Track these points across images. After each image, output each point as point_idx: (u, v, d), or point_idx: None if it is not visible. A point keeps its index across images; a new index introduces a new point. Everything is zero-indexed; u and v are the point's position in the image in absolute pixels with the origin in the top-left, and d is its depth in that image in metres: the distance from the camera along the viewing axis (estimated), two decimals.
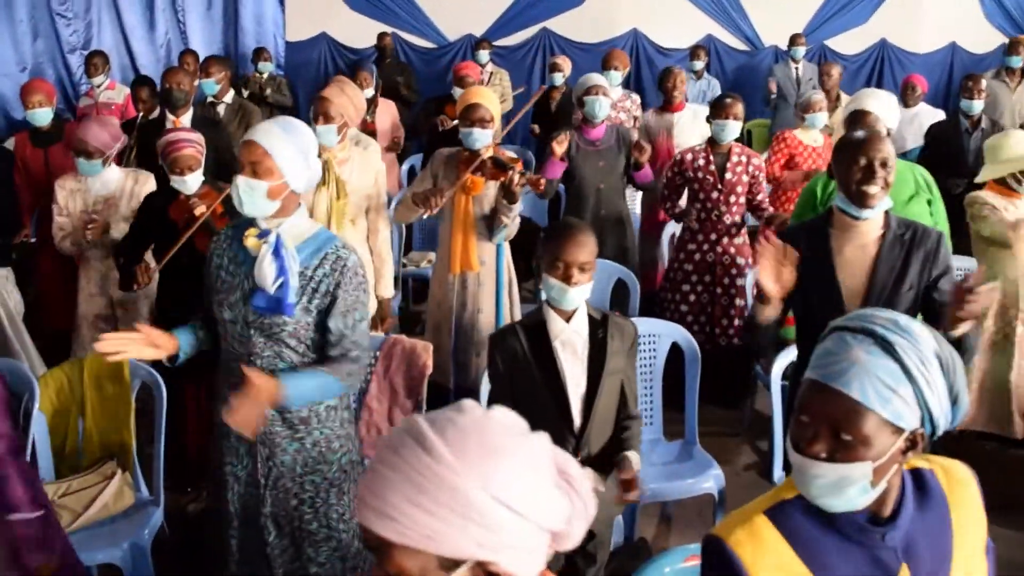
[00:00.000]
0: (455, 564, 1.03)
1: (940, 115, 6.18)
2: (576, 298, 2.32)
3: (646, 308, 4.35)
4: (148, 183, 3.90)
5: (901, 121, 6.06)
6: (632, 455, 2.35)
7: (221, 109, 5.57)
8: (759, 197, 4.33)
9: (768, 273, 2.32)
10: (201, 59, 6.79)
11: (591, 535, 2.45)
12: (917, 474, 1.43)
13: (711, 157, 4.26)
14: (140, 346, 2.17)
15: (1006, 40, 7.55)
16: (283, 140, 2.16)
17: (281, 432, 2.30)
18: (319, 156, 3.46)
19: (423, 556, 1.02)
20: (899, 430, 1.27)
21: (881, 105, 3.52)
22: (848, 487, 1.29)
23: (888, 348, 1.27)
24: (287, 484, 2.32)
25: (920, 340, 1.28)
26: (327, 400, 2.30)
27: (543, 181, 3.53)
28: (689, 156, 4.31)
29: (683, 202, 4.45)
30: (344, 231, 3.47)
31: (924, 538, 1.37)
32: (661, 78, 5.31)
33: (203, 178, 3.39)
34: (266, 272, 2.14)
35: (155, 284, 3.41)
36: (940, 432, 1.32)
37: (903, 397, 1.25)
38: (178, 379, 3.32)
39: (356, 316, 2.24)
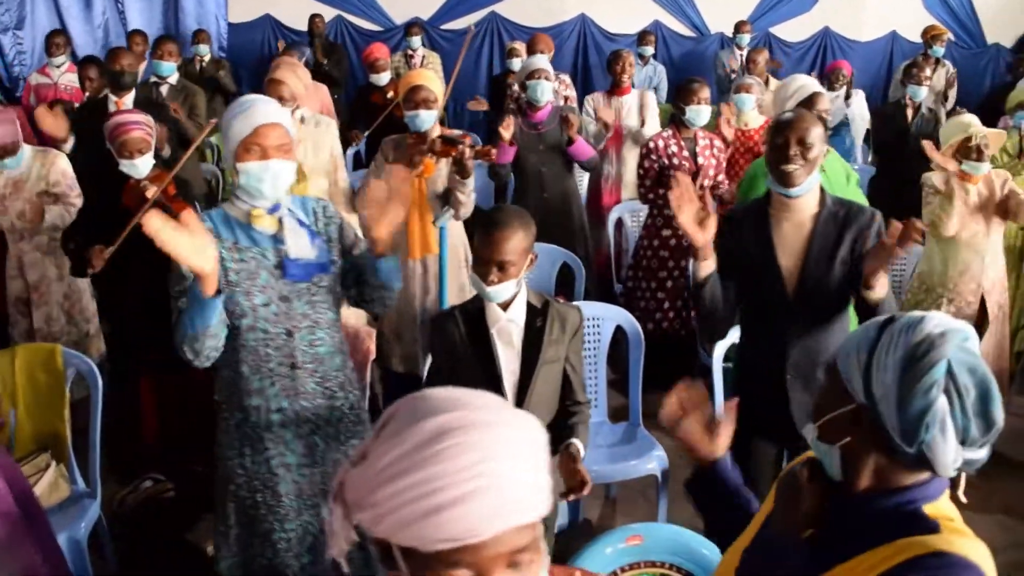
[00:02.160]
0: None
1: (861, 96, 6.59)
2: (497, 295, 2.28)
3: (595, 292, 4.37)
4: (58, 163, 3.82)
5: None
6: (576, 443, 2.33)
7: (164, 90, 5.46)
8: (720, 177, 4.39)
9: (688, 218, 2.35)
10: (148, 41, 6.66)
11: None
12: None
13: (682, 142, 4.29)
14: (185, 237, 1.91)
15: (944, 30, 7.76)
16: (286, 118, 2.23)
17: (323, 404, 2.32)
18: None
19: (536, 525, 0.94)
20: (848, 396, 1.30)
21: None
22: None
23: (885, 325, 1.28)
24: (334, 455, 2.34)
25: (911, 340, 1.23)
26: (395, 283, 2.32)
27: (493, 151, 3.51)
28: (661, 143, 4.31)
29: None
30: None
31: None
32: (610, 61, 5.32)
33: (153, 161, 3.31)
34: (302, 241, 2.22)
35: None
36: (906, 449, 1.24)
37: (858, 362, 1.28)
38: (134, 372, 3.27)
39: (363, 244, 2.34)
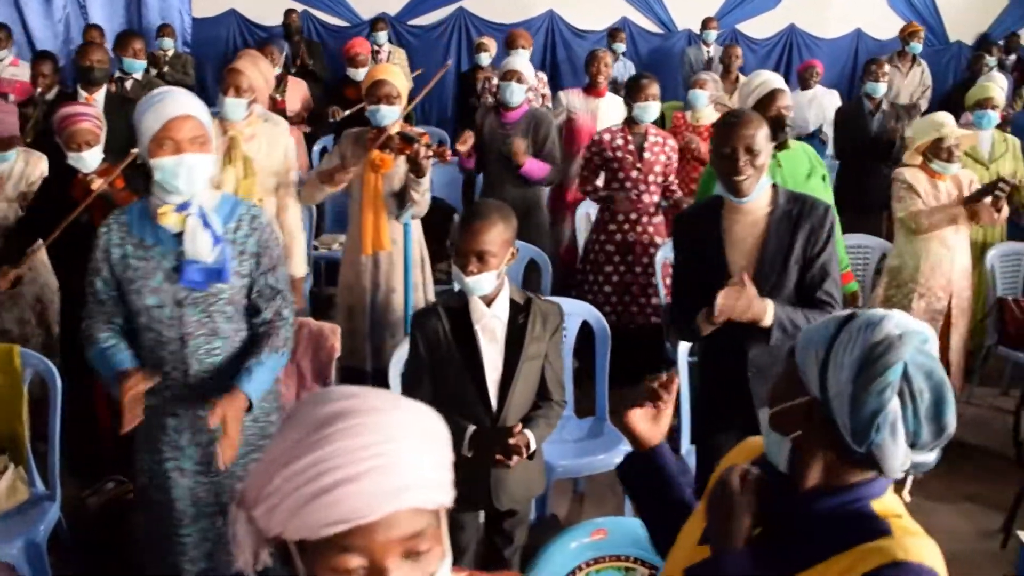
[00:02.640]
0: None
1: (835, 95, 6.70)
2: (477, 287, 2.29)
3: (557, 288, 4.37)
4: (40, 165, 3.73)
5: (800, 104, 6.44)
6: (527, 432, 2.31)
7: (128, 85, 5.38)
8: (670, 179, 4.40)
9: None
10: (104, 35, 6.56)
11: (511, 513, 2.46)
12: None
13: (629, 137, 4.30)
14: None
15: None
16: (201, 109, 2.15)
17: None
18: (225, 133, 3.42)
19: (432, 513, 0.92)
20: (803, 388, 1.29)
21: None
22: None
23: (845, 322, 1.27)
24: (231, 467, 2.26)
25: (870, 340, 1.22)
26: (278, 374, 2.30)
27: (448, 151, 3.50)
28: (607, 136, 4.34)
29: (599, 183, 4.46)
30: None
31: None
32: (587, 62, 5.28)
33: (103, 155, 3.24)
34: (202, 243, 2.11)
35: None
36: (856, 448, 1.23)
37: (815, 357, 1.27)
38: (88, 372, 3.20)
39: (282, 271, 2.29)
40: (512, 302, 2.38)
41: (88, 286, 2.20)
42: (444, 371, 2.34)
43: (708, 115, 5.21)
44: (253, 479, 0.91)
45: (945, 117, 3.79)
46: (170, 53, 7.37)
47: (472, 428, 2.28)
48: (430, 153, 3.35)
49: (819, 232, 2.41)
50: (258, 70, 3.45)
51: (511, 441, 2.24)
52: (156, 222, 2.15)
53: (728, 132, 2.36)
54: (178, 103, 2.10)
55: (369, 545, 0.86)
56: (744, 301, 2.24)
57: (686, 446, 3.12)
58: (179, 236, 2.14)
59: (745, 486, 1.34)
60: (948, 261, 3.81)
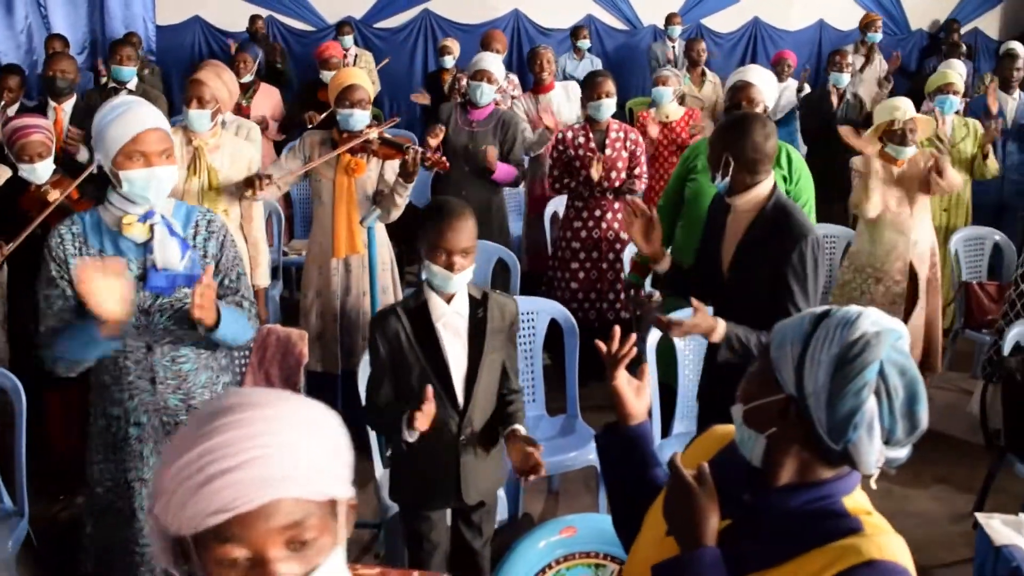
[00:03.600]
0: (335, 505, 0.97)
1: (792, 85, 6.75)
2: (460, 283, 2.32)
3: (533, 289, 4.37)
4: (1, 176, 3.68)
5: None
6: (519, 428, 2.37)
7: (124, 95, 5.32)
8: (637, 170, 4.41)
9: (638, 232, 2.57)
10: (68, 45, 6.49)
11: (480, 504, 2.47)
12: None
13: (591, 134, 4.31)
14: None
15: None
16: (164, 120, 2.16)
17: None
18: (190, 143, 3.39)
19: (326, 506, 0.94)
20: (778, 385, 1.29)
21: (763, 81, 3.63)
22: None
23: (820, 319, 1.28)
24: None
25: (847, 338, 1.23)
26: (239, 343, 2.27)
27: (445, 160, 3.54)
28: (570, 134, 4.35)
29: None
30: None
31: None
32: (529, 60, 5.34)
33: (55, 166, 3.22)
34: (171, 251, 2.13)
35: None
36: (832, 446, 1.24)
37: (791, 354, 1.28)
38: (41, 387, 3.17)
39: (239, 270, 2.30)
40: (470, 297, 2.39)
41: (43, 300, 2.17)
42: (408, 372, 2.33)
43: (674, 111, 5.23)
44: (155, 478, 0.94)
45: (901, 101, 3.84)
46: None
47: (407, 412, 2.21)
48: (427, 163, 3.37)
49: (787, 258, 2.42)
50: (221, 80, 3.42)
51: (530, 451, 2.23)
52: (115, 232, 2.14)
53: (765, 139, 2.48)
54: (146, 115, 2.10)
55: (250, 535, 0.88)
56: (699, 315, 2.38)
57: (657, 440, 3.13)
58: (143, 245, 2.14)
59: (704, 483, 1.33)
60: (904, 244, 3.85)
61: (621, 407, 1.65)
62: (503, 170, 4.40)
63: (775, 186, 2.55)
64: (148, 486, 2.27)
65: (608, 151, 4.30)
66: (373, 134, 3.42)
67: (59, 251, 2.15)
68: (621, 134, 4.37)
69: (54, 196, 3.01)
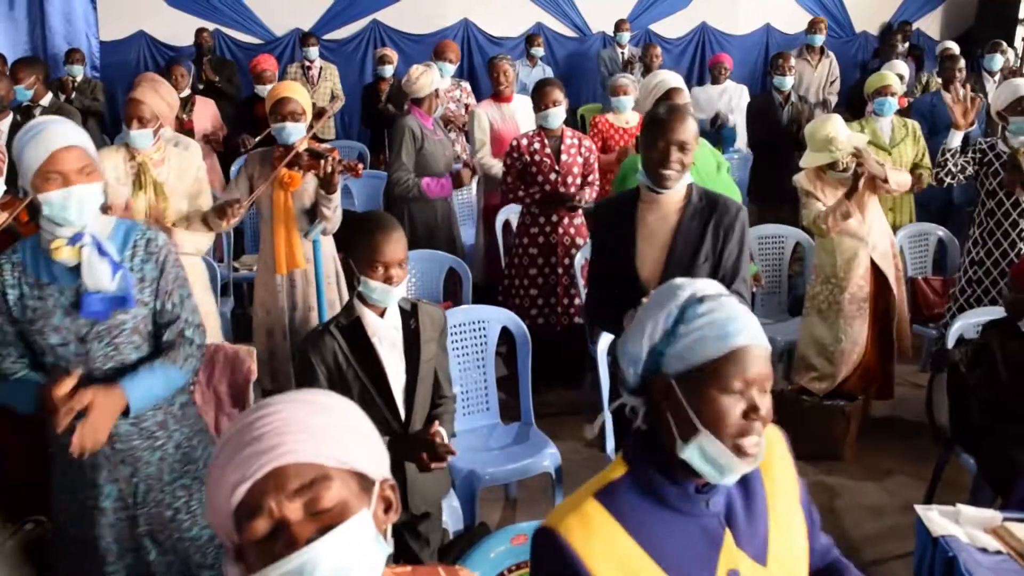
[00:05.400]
0: (371, 485, 1.05)
1: (744, 91, 6.87)
2: (397, 296, 2.32)
3: (484, 298, 4.36)
4: None
5: (712, 98, 6.69)
6: (442, 429, 2.33)
7: (38, 113, 5.22)
8: (590, 178, 4.43)
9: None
10: (9, 63, 6.35)
11: (425, 515, 2.45)
12: None
13: (546, 140, 4.33)
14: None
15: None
16: (84, 137, 2.09)
17: (140, 445, 2.19)
18: (133, 159, 3.33)
19: (350, 479, 1.02)
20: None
21: (680, 81, 3.70)
22: None
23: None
24: (157, 496, 2.22)
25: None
26: (172, 392, 2.20)
27: (361, 166, 3.48)
28: (524, 141, 4.37)
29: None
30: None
31: (739, 501, 1.41)
32: (488, 70, 5.35)
33: (3, 187, 3.14)
34: (100, 273, 2.04)
35: None
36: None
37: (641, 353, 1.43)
38: None
39: (183, 292, 2.21)
40: (400, 309, 2.39)
41: None
42: (348, 391, 2.30)
43: (634, 118, 5.29)
44: (205, 481, 1.11)
45: (831, 129, 3.71)
46: (79, 78, 7.17)
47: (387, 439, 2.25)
48: (340, 168, 3.32)
49: (730, 232, 2.50)
50: (159, 96, 3.36)
51: (439, 442, 2.24)
52: (49, 258, 2.07)
53: (661, 127, 2.45)
54: (60, 134, 2.03)
55: (268, 502, 0.96)
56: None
57: (610, 445, 3.14)
58: (75, 269, 2.06)
59: None
60: (864, 250, 3.89)
61: None
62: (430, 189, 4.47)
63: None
64: (107, 515, 2.21)
65: (564, 157, 4.32)
66: (302, 146, 3.39)
67: None
68: (575, 140, 4.40)
69: (1, 219, 2.94)
